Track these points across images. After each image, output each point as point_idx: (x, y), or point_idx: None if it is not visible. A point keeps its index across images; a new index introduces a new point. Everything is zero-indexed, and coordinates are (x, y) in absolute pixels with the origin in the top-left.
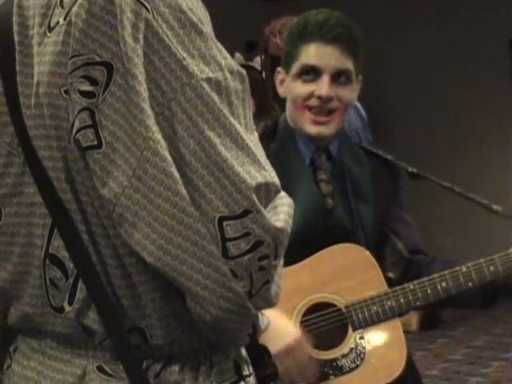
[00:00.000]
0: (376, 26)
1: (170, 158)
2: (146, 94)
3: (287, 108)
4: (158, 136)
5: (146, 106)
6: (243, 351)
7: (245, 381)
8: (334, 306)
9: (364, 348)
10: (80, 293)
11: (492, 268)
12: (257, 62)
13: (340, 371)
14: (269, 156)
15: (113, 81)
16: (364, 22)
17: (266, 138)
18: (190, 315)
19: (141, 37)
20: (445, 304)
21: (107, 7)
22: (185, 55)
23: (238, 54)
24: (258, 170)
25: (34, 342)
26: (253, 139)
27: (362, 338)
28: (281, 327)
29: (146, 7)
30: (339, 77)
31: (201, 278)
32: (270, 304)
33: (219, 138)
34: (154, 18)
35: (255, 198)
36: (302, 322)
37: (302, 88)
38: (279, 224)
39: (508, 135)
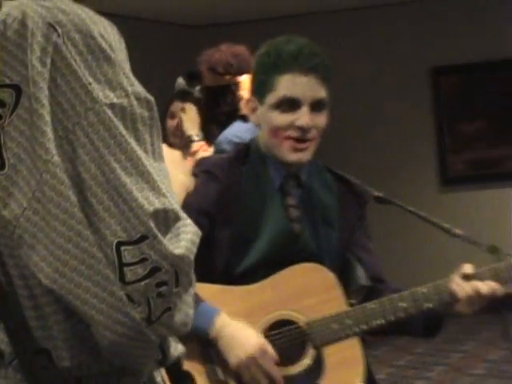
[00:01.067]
0: None
1: (67, 181)
2: (48, 118)
3: (261, 135)
4: (58, 159)
5: (48, 129)
6: (158, 376)
7: None
8: (295, 323)
9: (322, 365)
10: None
11: (426, 303)
12: (197, 90)
13: None
14: (241, 179)
15: (20, 104)
16: None
17: (237, 162)
18: (92, 341)
19: (48, 61)
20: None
21: (20, 31)
22: (91, 80)
23: (180, 79)
24: (157, 197)
25: None
26: (156, 165)
27: (321, 355)
28: (242, 338)
29: (57, 31)
30: (317, 106)
31: (96, 301)
32: (176, 332)
33: (119, 163)
34: (64, 42)
35: (152, 224)
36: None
37: (281, 118)
38: (178, 251)
39: (429, 154)
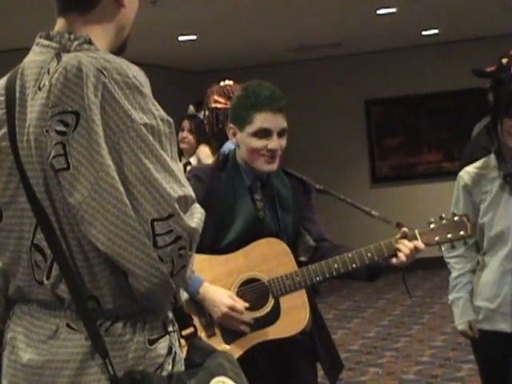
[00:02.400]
0: None
1: (117, 177)
2: (101, 133)
3: (240, 152)
4: (110, 162)
5: (102, 140)
6: (170, 315)
7: (169, 334)
8: (260, 280)
9: (279, 309)
10: (54, 271)
11: (369, 254)
12: (201, 114)
13: (263, 325)
14: (220, 182)
15: (79, 124)
16: None
17: (218, 169)
18: (130, 288)
19: (99, 94)
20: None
21: (77, 74)
22: (129, 107)
23: (191, 106)
24: (180, 186)
25: (24, 307)
26: (176, 166)
27: (278, 302)
28: (218, 300)
29: (103, 74)
30: (281, 133)
31: (137, 260)
32: (185, 282)
33: (152, 164)
34: (109, 81)
35: (177, 206)
36: (238, 292)
37: (257, 143)
38: (193, 224)
39: (363, 160)
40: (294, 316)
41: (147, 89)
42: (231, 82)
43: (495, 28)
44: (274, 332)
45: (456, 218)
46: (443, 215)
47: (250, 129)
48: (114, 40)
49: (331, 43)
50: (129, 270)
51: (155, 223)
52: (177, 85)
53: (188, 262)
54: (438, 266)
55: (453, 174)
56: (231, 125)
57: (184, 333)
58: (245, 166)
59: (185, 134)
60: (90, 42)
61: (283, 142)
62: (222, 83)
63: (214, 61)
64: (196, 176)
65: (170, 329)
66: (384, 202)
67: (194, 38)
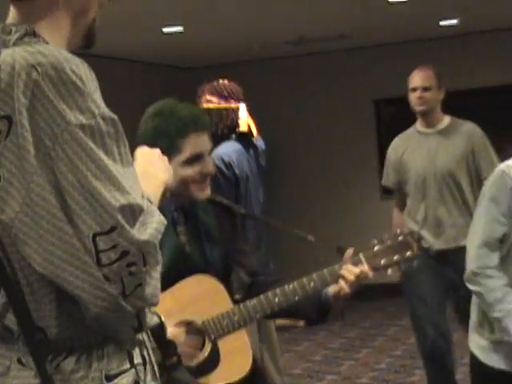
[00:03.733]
0: (272, 92)
1: (49, 188)
2: (31, 139)
3: (168, 184)
4: (40, 171)
5: (31, 148)
6: (137, 345)
7: (136, 368)
8: (194, 323)
9: (218, 354)
10: (1, 298)
11: (312, 284)
12: None
13: (201, 374)
14: None
15: (11, 130)
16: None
17: None
18: (79, 316)
19: (29, 93)
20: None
21: (10, 73)
22: (64, 107)
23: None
24: (122, 195)
25: None
26: (123, 170)
27: (216, 346)
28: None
29: (37, 70)
30: (209, 154)
31: (79, 282)
32: (148, 302)
33: (90, 171)
34: (42, 79)
35: (119, 217)
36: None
37: (191, 171)
38: (143, 237)
39: (373, 184)
40: (235, 359)
41: (89, 84)
42: (225, 81)
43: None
44: (216, 379)
45: (400, 238)
46: (386, 236)
47: (180, 158)
48: (72, 29)
49: (336, 35)
50: (72, 294)
51: (97, 238)
52: (162, 81)
53: (145, 280)
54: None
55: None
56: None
57: (170, 362)
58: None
59: None
60: (32, 34)
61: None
62: (214, 82)
63: (204, 55)
64: None
65: (138, 361)
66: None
67: (180, 29)
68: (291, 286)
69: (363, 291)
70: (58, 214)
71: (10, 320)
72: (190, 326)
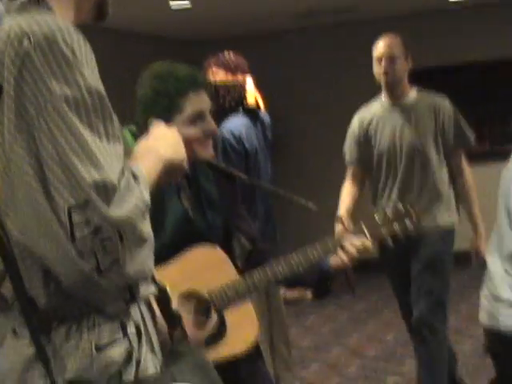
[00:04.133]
0: (281, 66)
1: (28, 158)
2: (13, 108)
3: None
4: (21, 141)
5: (13, 116)
6: (137, 314)
7: (129, 338)
8: (199, 293)
9: (225, 324)
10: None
11: (315, 252)
12: None
13: (207, 345)
14: None
15: (2, 98)
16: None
17: None
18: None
19: (19, 62)
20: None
21: (5, 40)
22: (51, 78)
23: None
24: (97, 170)
25: None
26: (106, 145)
27: (222, 317)
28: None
29: (30, 40)
30: (210, 113)
31: (53, 255)
32: (131, 279)
33: (68, 144)
34: (34, 48)
35: (92, 192)
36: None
37: (194, 130)
38: (118, 214)
39: None
40: (241, 331)
41: (83, 56)
42: (230, 53)
43: None
44: (224, 350)
45: (399, 206)
46: (386, 208)
47: (182, 117)
48: (83, 1)
49: (345, 7)
50: (48, 266)
51: (72, 211)
52: (170, 56)
53: (121, 256)
54: (465, 261)
55: (483, 157)
56: (153, 119)
57: (176, 334)
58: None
59: None
60: (37, 2)
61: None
62: (220, 54)
63: (211, 29)
64: None
65: (131, 330)
66: None
67: (187, 3)
68: (295, 256)
69: (370, 264)
70: (35, 185)
71: (6, 288)
72: (195, 297)
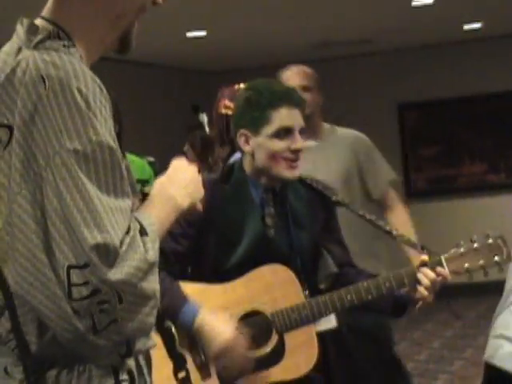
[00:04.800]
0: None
1: (31, 211)
2: (22, 156)
3: (258, 160)
4: (25, 192)
5: (20, 165)
6: (132, 362)
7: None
8: (262, 313)
9: (284, 347)
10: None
11: (387, 284)
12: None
13: (266, 365)
14: (225, 195)
15: (10, 142)
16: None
17: (222, 181)
18: None
19: (31, 107)
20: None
21: (22, 80)
22: (62, 128)
23: (203, 115)
24: (100, 232)
25: None
26: (114, 203)
27: (282, 339)
28: (219, 331)
29: (44, 84)
30: (302, 132)
31: (48, 312)
32: (131, 336)
33: (73, 200)
34: (47, 94)
35: (92, 254)
36: (236, 328)
37: (280, 145)
38: (118, 276)
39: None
40: (300, 355)
41: (95, 106)
42: (242, 85)
43: None
44: (278, 373)
45: (490, 241)
46: (474, 237)
47: (269, 129)
48: (109, 32)
49: (360, 39)
50: (44, 321)
51: (71, 271)
52: (185, 87)
53: (120, 316)
54: (483, 292)
55: (498, 188)
56: (242, 130)
57: (180, 375)
58: (254, 178)
59: (185, 147)
60: (57, 36)
61: (304, 142)
62: (232, 86)
63: (227, 59)
64: None
65: (124, 377)
66: (420, 220)
67: (203, 34)
68: (365, 285)
69: None
70: (35, 241)
71: (1, 325)
72: (259, 316)
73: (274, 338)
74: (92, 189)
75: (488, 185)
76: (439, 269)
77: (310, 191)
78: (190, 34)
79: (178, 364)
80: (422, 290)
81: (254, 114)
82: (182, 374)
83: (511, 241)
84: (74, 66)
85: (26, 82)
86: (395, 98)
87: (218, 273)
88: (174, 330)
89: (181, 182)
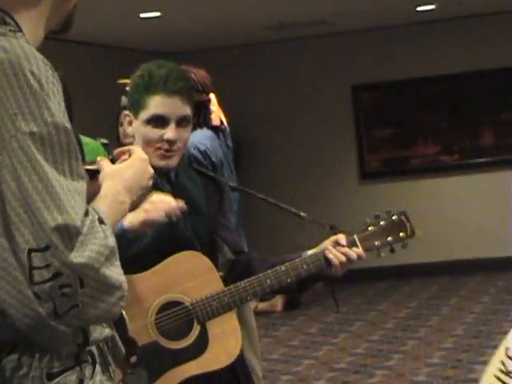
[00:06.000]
0: (249, 78)
1: None
2: None
3: (136, 144)
4: None
5: None
6: (93, 346)
7: (81, 365)
8: (182, 303)
9: (207, 337)
10: None
11: (305, 266)
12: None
13: (190, 357)
14: None
15: None
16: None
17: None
18: None
19: None
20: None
21: None
22: (17, 111)
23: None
24: (61, 213)
25: None
26: (71, 184)
27: (205, 329)
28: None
29: None
30: (181, 122)
31: (8, 297)
32: (91, 322)
33: (32, 183)
34: None
35: (54, 237)
36: (156, 319)
37: (152, 133)
38: (79, 260)
39: (351, 169)
40: (224, 344)
41: (49, 88)
42: (198, 72)
43: (498, 3)
44: (202, 364)
45: (394, 217)
46: (379, 214)
47: (144, 115)
48: (54, 14)
49: (314, 21)
50: (1, 308)
51: (32, 254)
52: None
53: (82, 301)
54: (435, 272)
55: (451, 169)
56: (127, 111)
57: (133, 360)
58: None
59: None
60: (3, 22)
61: (185, 133)
62: (191, 69)
63: (181, 41)
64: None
65: (84, 358)
66: (374, 201)
67: (157, 14)
68: (284, 269)
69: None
70: None
71: None
72: (179, 307)
73: (196, 329)
74: (50, 171)
75: (441, 166)
76: (354, 249)
77: (204, 178)
78: (143, 15)
79: (130, 349)
80: (337, 267)
81: (134, 97)
82: (133, 359)
83: (466, 222)
84: (24, 49)
85: None
86: (349, 80)
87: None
88: (124, 314)
89: (130, 163)
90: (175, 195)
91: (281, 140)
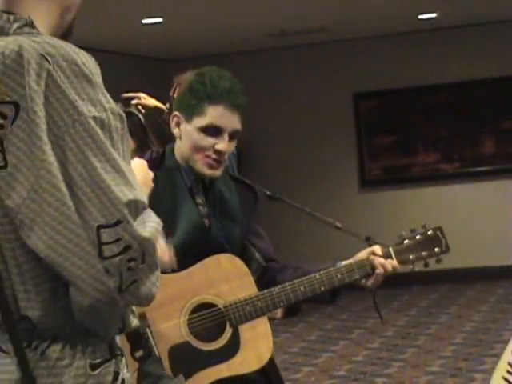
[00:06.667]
0: (252, 85)
1: (60, 176)
2: (44, 126)
3: (182, 146)
4: (52, 158)
5: (44, 134)
6: (117, 339)
7: (116, 358)
8: (215, 305)
9: (239, 340)
10: None
11: (339, 275)
12: (135, 108)
13: (221, 360)
14: (156, 181)
15: (19, 116)
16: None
17: (153, 167)
18: (69, 307)
19: (42, 83)
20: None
21: (17, 60)
22: (76, 98)
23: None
24: (130, 190)
25: None
26: (127, 166)
27: (237, 332)
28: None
29: (47, 60)
30: (234, 136)
31: (80, 272)
32: (140, 302)
33: (100, 163)
34: (54, 69)
35: (126, 211)
36: (189, 319)
37: (205, 141)
38: (146, 234)
39: (351, 177)
40: (256, 348)
41: (98, 77)
42: None
43: (500, 12)
44: (233, 367)
45: (430, 232)
46: (415, 228)
47: (200, 122)
48: (59, 22)
49: (316, 28)
50: (71, 282)
51: (101, 230)
52: (142, 74)
53: (141, 278)
54: (435, 280)
55: (452, 177)
56: (176, 112)
57: (138, 354)
58: (184, 165)
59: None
60: (31, 25)
61: (233, 146)
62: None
63: (183, 47)
64: None
65: (118, 352)
66: (374, 208)
67: (159, 20)
68: (318, 277)
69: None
70: (68, 202)
71: None
72: (212, 309)
73: (228, 332)
74: (114, 152)
75: (442, 174)
76: (389, 260)
77: (240, 185)
78: (146, 21)
79: (135, 343)
80: (376, 278)
81: (190, 102)
82: (139, 353)
83: (466, 230)
84: (66, 43)
85: (28, 61)
86: (350, 87)
87: None
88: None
89: (143, 179)
90: (210, 201)
91: (281, 147)
